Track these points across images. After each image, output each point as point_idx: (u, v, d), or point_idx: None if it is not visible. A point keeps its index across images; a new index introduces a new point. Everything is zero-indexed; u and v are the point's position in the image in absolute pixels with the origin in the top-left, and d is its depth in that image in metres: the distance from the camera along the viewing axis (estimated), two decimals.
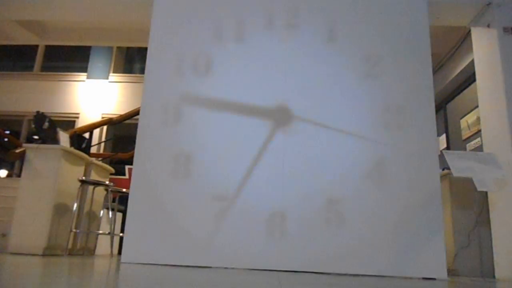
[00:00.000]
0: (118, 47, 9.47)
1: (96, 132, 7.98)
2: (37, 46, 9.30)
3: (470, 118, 5.38)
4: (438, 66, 5.99)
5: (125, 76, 9.37)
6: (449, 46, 5.57)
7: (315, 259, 3.19)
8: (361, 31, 3.68)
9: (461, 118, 5.69)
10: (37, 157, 3.83)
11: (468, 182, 3.50)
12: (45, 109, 5.32)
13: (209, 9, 3.80)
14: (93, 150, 6.74)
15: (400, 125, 3.44)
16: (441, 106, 6.33)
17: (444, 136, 6.26)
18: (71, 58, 9.72)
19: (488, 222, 3.83)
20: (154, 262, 3.21)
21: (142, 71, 9.08)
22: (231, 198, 3.34)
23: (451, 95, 6.12)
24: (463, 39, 5.22)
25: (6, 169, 7.67)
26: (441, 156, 3.63)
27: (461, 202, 4.01)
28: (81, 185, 4.01)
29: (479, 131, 4.62)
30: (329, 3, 3.77)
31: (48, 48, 9.53)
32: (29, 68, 9.43)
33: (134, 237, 3.29)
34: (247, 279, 2.25)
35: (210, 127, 3.51)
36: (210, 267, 3.16)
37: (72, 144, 4.25)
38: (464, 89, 5.71)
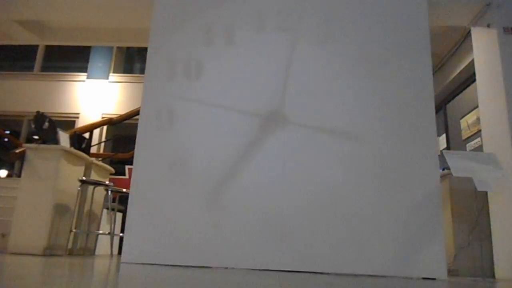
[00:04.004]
0: (118, 47, 9.47)
1: (96, 132, 7.98)
2: (37, 46, 9.31)
3: (470, 118, 5.38)
4: (438, 66, 5.99)
5: (125, 76, 9.37)
6: (449, 46, 5.57)
7: (315, 259, 3.19)
8: (361, 32, 3.68)
9: (461, 118, 5.69)
10: (37, 157, 3.83)
11: (468, 182, 3.50)
12: (45, 109, 5.32)
13: (210, 11, 3.80)
14: (93, 150, 6.74)
15: (400, 125, 3.44)
16: (441, 106, 6.33)
17: (444, 136, 6.26)
18: (71, 58, 9.72)
19: (488, 222, 3.83)
20: (154, 262, 3.21)
21: (142, 71, 9.09)
22: (231, 198, 3.34)
23: (451, 95, 6.12)
24: (463, 39, 5.22)
25: (6, 169, 7.67)
26: (441, 156, 3.62)
27: (461, 202, 4.01)
28: (81, 185, 4.01)
29: (479, 131, 4.62)
30: (328, 3, 3.77)
31: (48, 48, 9.53)
32: (29, 68, 9.43)
33: (134, 237, 3.29)
34: (247, 279, 2.25)
35: (208, 131, 3.51)
36: (210, 267, 3.16)
37: (72, 144, 4.25)
38: (464, 89, 5.70)
